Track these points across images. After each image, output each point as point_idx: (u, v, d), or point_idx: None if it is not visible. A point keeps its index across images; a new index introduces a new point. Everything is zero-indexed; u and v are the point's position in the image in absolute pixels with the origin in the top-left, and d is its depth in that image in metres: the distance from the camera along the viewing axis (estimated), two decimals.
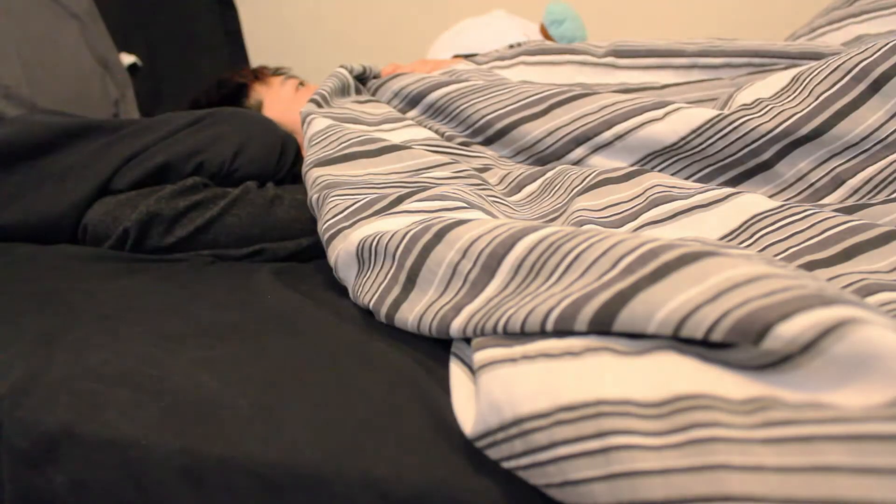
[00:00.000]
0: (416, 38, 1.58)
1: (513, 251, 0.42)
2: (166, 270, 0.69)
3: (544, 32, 1.18)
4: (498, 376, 0.35)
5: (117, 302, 0.60)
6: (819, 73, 0.59)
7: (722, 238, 0.53)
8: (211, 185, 0.79)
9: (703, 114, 0.62)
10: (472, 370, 0.41)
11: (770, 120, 0.59)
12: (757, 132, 0.59)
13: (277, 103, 1.09)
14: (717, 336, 0.29)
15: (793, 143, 0.59)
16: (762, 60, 0.80)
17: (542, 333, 0.37)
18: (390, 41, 1.76)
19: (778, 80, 0.64)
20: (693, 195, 0.55)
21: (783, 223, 0.51)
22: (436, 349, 0.46)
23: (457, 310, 0.44)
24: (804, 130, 0.58)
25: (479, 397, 0.36)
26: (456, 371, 0.42)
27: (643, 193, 0.58)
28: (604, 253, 0.36)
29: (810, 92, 0.59)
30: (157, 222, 0.73)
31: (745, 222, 0.52)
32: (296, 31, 1.86)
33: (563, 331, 0.36)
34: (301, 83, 1.12)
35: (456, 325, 0.43)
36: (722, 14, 1.52)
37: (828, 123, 0.57)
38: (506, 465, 0.34)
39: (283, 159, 0.86)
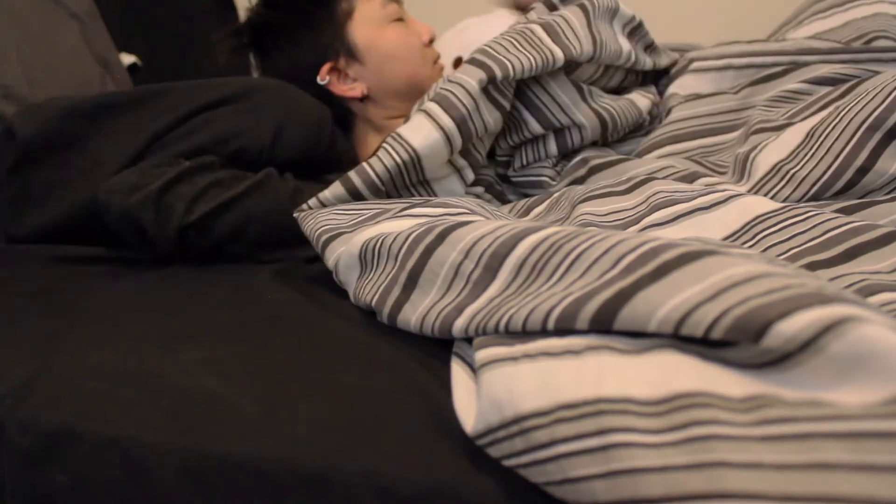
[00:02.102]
0: None
1: (515, 251, 0.42)
2: (166, 270, 0.69)
3: None
4: (499, 374, 0.35)
5: (118, 301, 0.60)
6: (834, 127, 0.59)
7: (724, 239, 0.53)
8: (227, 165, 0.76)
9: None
10: (473, 369, 0.41)
11: (795, 189, 0.59)
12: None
13: (367, 22, 0.98)
14: (716, 334, 0.29)
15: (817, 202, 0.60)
16: (763, 60, 0.81)
17: (544, 332, 0.37)
18: None
19: (793, 135, 0.63)
20: (695, 198, 0.56)
21: (785, 224, 0.51)
22: (436, 348, 0.47)
23: (459, 310, 0.44)
24: (828, 194, 0.58)
25: (480, 395, 0.36)
26: (457, 370, 0.42)
27: (646, 200, 0.59)
28: (605, 252, 0.37)
29: (828, 149, 0.58)
30: (177, 201, 0.69)
31: (747, 224, 0.52)
32: None
33: (564, 329, 0.36)
34: (400, 18, 0.99)
35: (458, 326, 0.43)
36: (722, 12, 1.52)
37: (851, 182, 0.57)
38: (506, 462, 0.34)
39: (322, 137, 0.82)
